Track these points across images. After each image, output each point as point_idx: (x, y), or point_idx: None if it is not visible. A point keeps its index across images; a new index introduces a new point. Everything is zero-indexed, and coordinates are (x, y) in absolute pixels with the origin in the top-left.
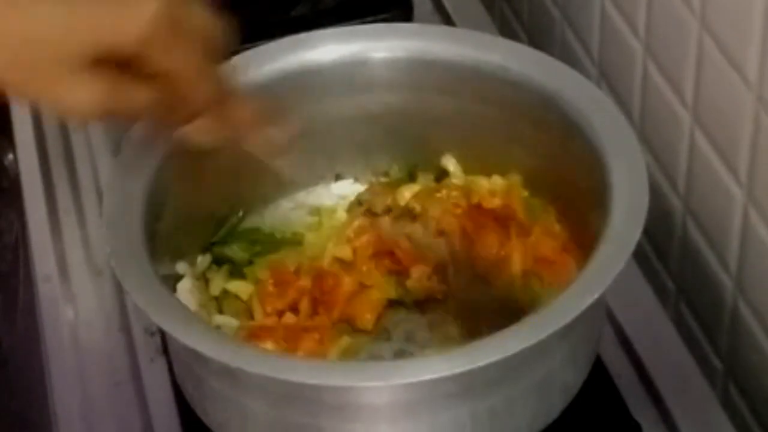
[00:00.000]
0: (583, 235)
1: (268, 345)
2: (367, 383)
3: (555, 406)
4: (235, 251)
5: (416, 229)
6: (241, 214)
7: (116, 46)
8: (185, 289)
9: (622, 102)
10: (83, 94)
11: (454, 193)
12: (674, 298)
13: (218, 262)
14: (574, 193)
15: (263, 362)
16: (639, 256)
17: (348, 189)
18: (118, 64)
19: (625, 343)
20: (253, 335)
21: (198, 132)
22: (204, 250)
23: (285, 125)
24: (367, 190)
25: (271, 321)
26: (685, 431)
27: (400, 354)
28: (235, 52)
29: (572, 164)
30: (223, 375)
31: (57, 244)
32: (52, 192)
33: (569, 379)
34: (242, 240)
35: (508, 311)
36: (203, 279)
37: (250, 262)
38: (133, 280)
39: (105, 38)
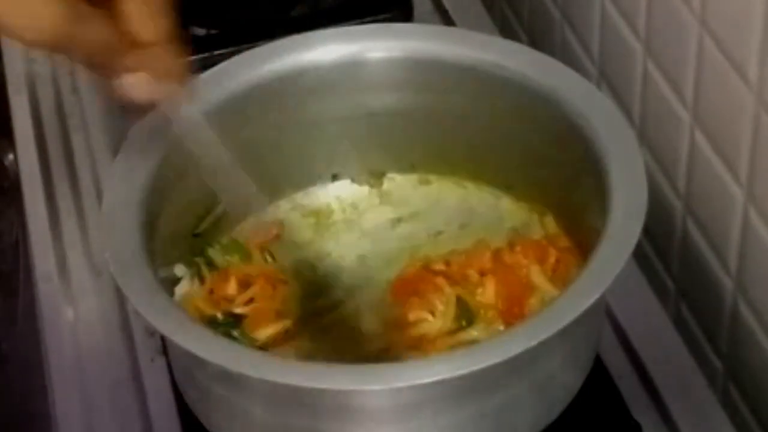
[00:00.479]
0: (583, 235)
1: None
2: (369, 386)
3: (555, 406)
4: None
5: None
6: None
7: None
8: (183, 291)
9: (622, 102)
10: (42, 10)
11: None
12: (674, 298)
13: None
14: (573, 194)
15: (263, 366)
16: (639, 256)
17: (345, 189)
18: None
19: (625, 343)
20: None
21: (134, 86)
22: (201, 252)
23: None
24: None
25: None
26: (685, 431)
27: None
28: (236, 53)
29: (572, 164)
30: (223, 379)
31: (57, 245)
32: (52, 192)
33: (569, 379)
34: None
35: None
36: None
37: None
38: (132, 284)
39: None
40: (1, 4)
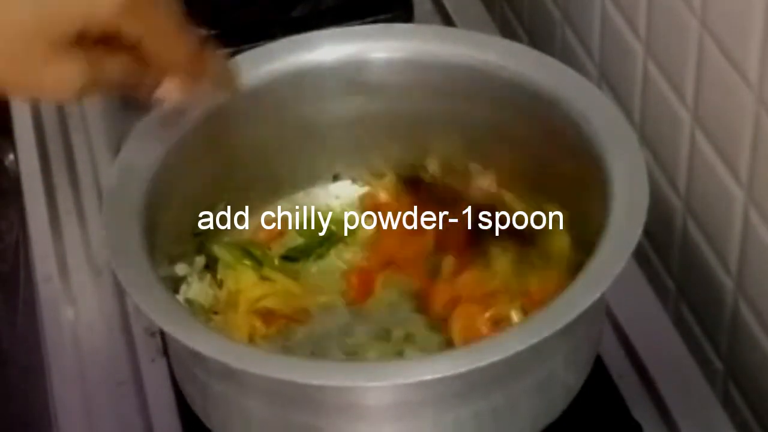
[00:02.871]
0: (583, 234)
1: None
2: (370, 383)
3: (556, 405)
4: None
5: None
6: (224, 203)
7: (91, 23)
8: (191, 290)
9: (622, 102)
10: (63, 74)
11: None
12: (674, 298)
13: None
14: (574, 193)
15: (265, 363)
16: (639, 256)
17: (346, 190)
18: (94, 40)
19: (625, 343)
20: None
21: (170, 92)
22: (200, 250)
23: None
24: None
25: None
26: (685, 431)
27: (399, 355)
28: (236, 53)
29: (572, 164)
30: (224, 376)
31: (57, 245)
32: (53, 192)
33: (570, 379)
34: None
35: None
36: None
37: None
38: (133, 281)
39: (79, 17)
40: (30, 77)
